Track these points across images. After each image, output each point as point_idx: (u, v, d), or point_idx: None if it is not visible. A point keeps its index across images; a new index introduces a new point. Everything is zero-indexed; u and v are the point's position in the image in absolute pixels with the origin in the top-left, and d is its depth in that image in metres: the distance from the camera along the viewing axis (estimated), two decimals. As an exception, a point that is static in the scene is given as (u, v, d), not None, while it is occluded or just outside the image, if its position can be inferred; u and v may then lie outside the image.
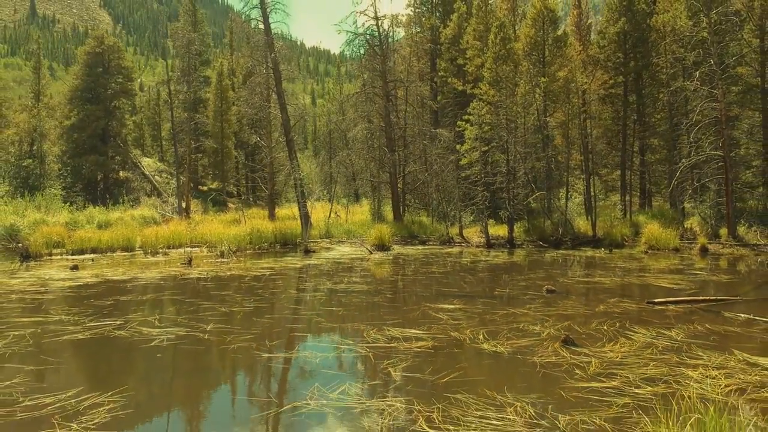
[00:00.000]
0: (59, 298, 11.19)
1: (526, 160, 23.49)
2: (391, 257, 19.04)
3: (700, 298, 10.65)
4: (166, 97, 48.02)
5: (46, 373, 6.56)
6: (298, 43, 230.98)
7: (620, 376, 6.25)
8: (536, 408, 5.31)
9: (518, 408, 5.30)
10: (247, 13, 27.78)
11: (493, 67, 24.56)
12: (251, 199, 47.79)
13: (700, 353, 7.10)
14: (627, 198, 27.00)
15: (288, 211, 31.76)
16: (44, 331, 8.42)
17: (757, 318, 8.94)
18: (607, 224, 22.62)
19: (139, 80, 54.55)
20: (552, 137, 25.60)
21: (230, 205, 42.48)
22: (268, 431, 5.11)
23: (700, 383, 5.96)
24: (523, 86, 24.08)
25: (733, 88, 23.83)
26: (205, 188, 46.36)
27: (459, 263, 17.40)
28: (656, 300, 10.42)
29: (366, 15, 27.91)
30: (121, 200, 34.44)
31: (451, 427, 4.88)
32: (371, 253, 19.82)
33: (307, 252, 19.92)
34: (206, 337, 8.15)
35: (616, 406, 5.35)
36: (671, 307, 10.06)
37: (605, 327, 8.49)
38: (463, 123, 23.15)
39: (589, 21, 38.73)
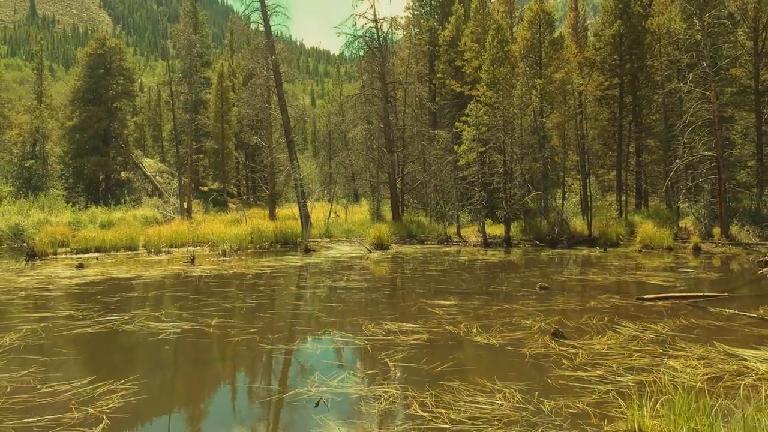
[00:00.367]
0: (67, 295, 11.53)
1: (523, 161, 23.85)
2: (389, 256, 19.38)
3: (688, 294, 11.00)
4: (167, 98, 48.41)
5: (60, 364, 6.90)
6: (298, 43, 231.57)
7: (605, 365, 6.60)
8: (523, 394, 5.65)
9: (507, 394, 5.65)
10: (248, 15, 28.18)
11: (491, 69, 24.92)
12: (252, 199, 48.15)
13: (683, 345, 7.45)
14: (623, 198, 27.35)
15: (288, 211, 32.11)
16: (55, 326, 8.76)
17: (740, 313, 9.29)
18: (603, 224, 22.99)
19: (138, 81, 54.85)
20: (549, 138, 25.96)
21: (231, 205, 42.83)
22: (272, 415, 5.46)
23: (680, 372, 6.31)
24: (519, 88, 24.44)
25: (728, 89, 24.17)
26: (205, 189, 46.70)
27: (456, 262, 17.75)
28: (645, 296, 10.77)
29: (365, 18, 28.27)
30: (122, 200, 34.79)
31: (443, 411, 5.23)
32: (370, 252, 20.17)
33: (308, 251, 20.26)
34: (211, 330, 8.49)
35: (599, 393, 5.70)
36: (660, 303, 10.41)
37: (594, 321, 8.84)
38: (461, 124, 23.52)
39: (587, 22, 39.14)
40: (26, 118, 39.17)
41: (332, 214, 30.83)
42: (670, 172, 22.55)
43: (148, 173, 43.16)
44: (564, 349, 7.30)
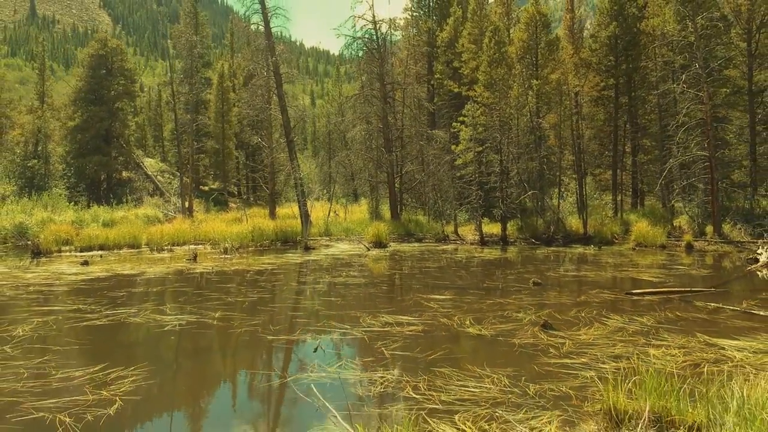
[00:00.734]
0: (74, 291, 11.88)
1: (519, 161, 24.20)
2: (388, 254, 19.74)
3: (676, 289, 11.36)
4: (168, 98, 48.77)
5: (72, 353, 7.26)
6: (298, 43, 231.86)
7: (589, 354, 6.96)
8: (511, 379, 6.01)
9: (495, 379, 6.01)
10: (248, 17, 28.51)
11: (488, 70, 25.27)
12: (252, 198, 48.49)
13: (666, 336, 7.81)
14: (619, 197, 27.70)
15: (288, 210, 32.48)
16: (65, 318, 9.12)
17: (724, 306, 9.65)
18: (599, 222, 23.33)
19: (139, 81, 55.11)
20: (545, 138, 26.30)
21: (231, 204, 43.17)
22: (274, 397, 5.82)
23: (660, 359, 6.67)
24: (516, 89, 24.79)
25: (723, 89, 24.49)
26: (206, 188, 47.04)
27: (453, 259, 18.10)
28: (634, 291, 11.14)
29: (364, 19, 28.60)
30: (124, 200, 35.14)
31: (434, 394, 5.59)
32: (369, 250, 20.52)
33: (307, 249, 20.62)
34: (215, 322, 8.85)
35: (582, 378, 6.06)
36: (648, 297, 10.77)
37: (583, 314, 9.20)
38: (459, 124, 23.86)
39: (587, 22, 39.45)
40: (29, 118, 39.53)
41: (332, 213, 31.21)
42: (665, 172, 22.92)
43: (149, 173, 43.50)
44: (552, 339, 7.66)
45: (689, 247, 19.77)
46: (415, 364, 6.65)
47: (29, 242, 19.45)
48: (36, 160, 36.08)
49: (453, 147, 24.79)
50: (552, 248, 21.14)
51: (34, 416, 5.14)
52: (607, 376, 6.04)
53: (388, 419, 4.98)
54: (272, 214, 30.15)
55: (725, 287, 12.14)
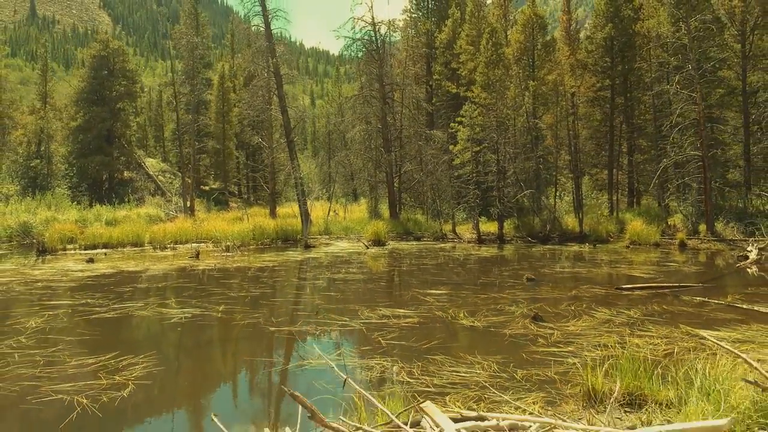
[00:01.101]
0: (81, 286, 12.25)
1: (516, 160, 24.57)
2: (386, 252, 20.11)
3: (665, 284, 11.73)
4: (168, 99, 49.11)
5: (84, 342, 7.62)
6: (298, 44, 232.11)
7: (576, 343, 7.33)
8: (500, 365, 6.38)
9: (485, 365, 6.38)
10: (249, 18, 28.84)
11: (485, 71, 25.63)
12: (252, 198, 48.87)
13: (651, 327, 8.18)
14: (615, 196, 28.06)
15: (288, 209, 32.86)
16: (75, 312, 9.48)
17: (709, 300, 10.02)
18: (594, 221, 23.70)
19: (140, 82, 55.47)
20: (542, 138, 26.66)
21: (232, 204, 43.54)
22: (277, 382, 6.19)
23: (642, 348, 7.03)
24: (513, 89, 25.16)
25: (718, 90, 24.84)
26: (207, 188, 47.39)
27: (450, 257, 18.47)
28: (624, 286, 11.51)
29: (363, 21, 28.96)
30: (125, 200, 35.49)
31: (427, 378, 5.96)
32: (368, 248, 20.89)
33: (308, 247, 20.98)
34: (219, 315, 9.22)
35: (567, 364, 6.42)
36: (637, 292, 11.13)
37: (573, 308, 9.56)
38: (456, 124, 24.22)
39: (587, 22, 39.78)
40: (31, 118, 39.87)
41: (331, 213, 31.60)
42: (659, 171, 23.28)
43: (151, 173, 43.87)
44: (541, 330, 8.03)
45: (682, 245, 20.13)
46: (410, 352, 7.01)
47: (34, 240, 19.81)
48: (39, 160, 36.46)
49: (451, 147, 25.17)
50: (548, 246, 21.51)
51: (53, 398, 5.51)
52: (589, 363, 6.41)
53: (383, 400, 5.34)
54: (273, 214, 30.52)
55: (714, 283, 12.51)
